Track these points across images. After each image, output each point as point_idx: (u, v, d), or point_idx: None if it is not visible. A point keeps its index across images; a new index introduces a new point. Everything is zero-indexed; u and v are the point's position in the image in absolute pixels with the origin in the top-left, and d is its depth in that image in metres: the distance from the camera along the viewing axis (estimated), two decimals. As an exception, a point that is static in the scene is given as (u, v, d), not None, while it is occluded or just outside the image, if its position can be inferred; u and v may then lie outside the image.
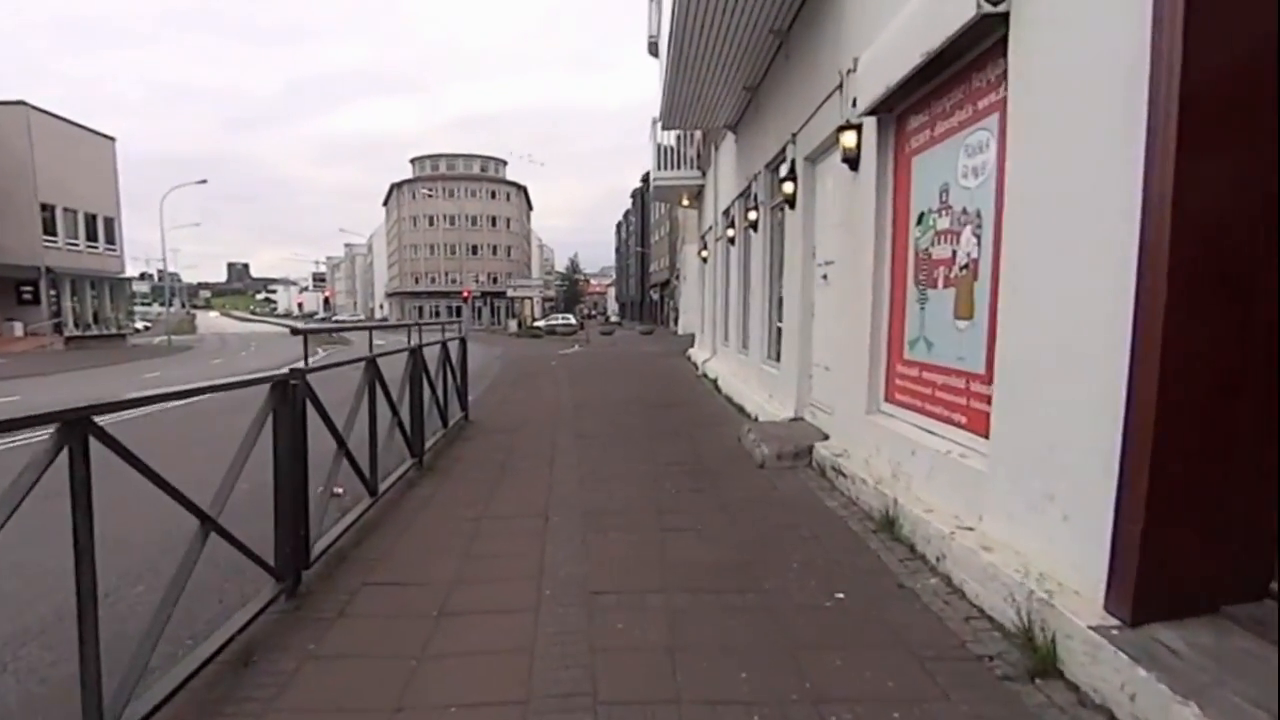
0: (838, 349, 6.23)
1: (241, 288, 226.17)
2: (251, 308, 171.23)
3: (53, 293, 34.57)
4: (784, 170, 8.07)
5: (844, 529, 4.50)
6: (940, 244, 4.39)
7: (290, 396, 3.55)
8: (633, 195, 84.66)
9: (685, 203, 19.26)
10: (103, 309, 37.88)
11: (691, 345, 20.87)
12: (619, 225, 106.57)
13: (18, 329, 32.12)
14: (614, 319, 69.76)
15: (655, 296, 70.13)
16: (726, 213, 13.74)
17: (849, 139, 5.58)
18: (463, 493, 5.78)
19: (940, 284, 4.39)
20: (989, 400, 3.73)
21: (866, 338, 5.33)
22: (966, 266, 4.05)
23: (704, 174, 16.90)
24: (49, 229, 33.49)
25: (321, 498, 4.10)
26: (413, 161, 79.02)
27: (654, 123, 16.89)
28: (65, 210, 34.46)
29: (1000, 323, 3.50)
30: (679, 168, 17.23)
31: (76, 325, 35.34)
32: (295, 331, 4.23)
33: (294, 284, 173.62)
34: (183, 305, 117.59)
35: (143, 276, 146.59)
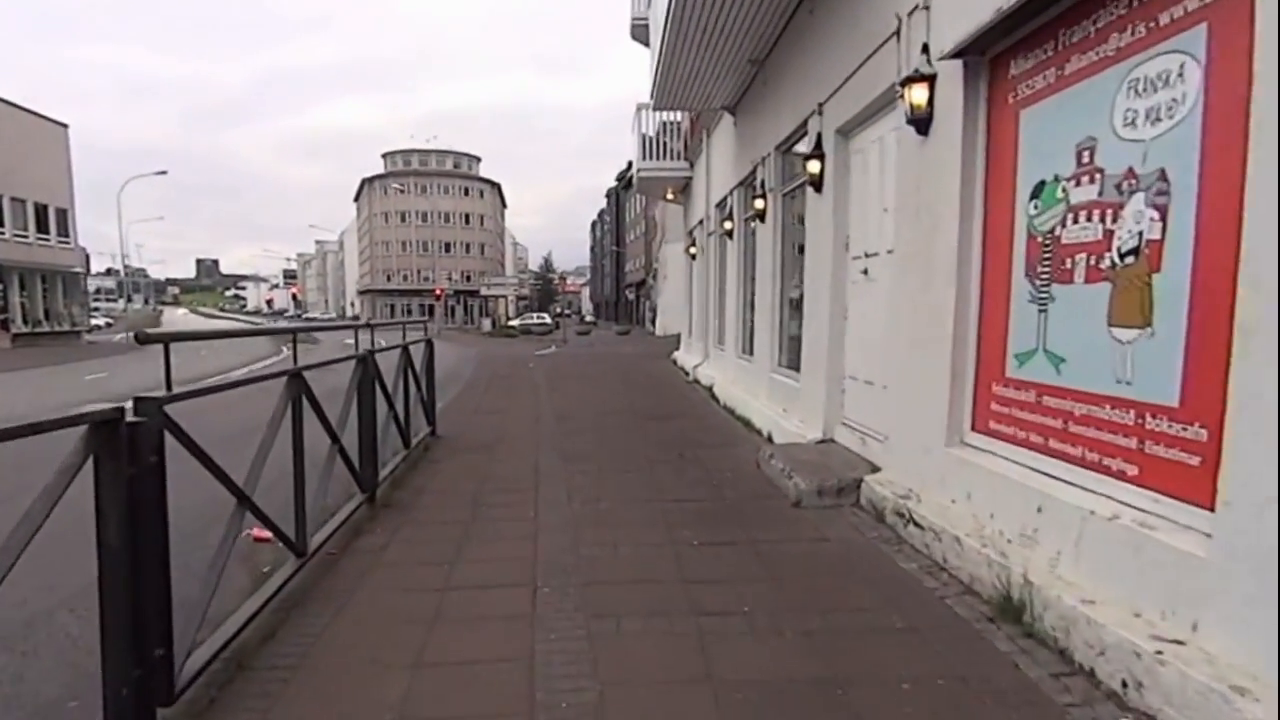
0: (893, 360, 5.04)
1: (211, 284, 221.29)
2: (221, 305, 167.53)
3: (15, 287, 32.66)
4: (805, 147, 6.89)
5: (947, 615, 3.28)
6: (1079, 223, 3.20)
7: (125, 445, 2.23)
8: (608, 194, 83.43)
9: (670, 197, 18.06)
10: (55, 304, 35.77)
11: (675, 348, 19.73)
12: (593, 224, 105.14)
13: (-40, 327, 30.13)
14: (589, 319, 68.47)
15: (630, 296, 68.98)
16: (721, 205, 12.56)
17: (918, 94, 4.37)
18: (423, 544, 4.51)
19: (1080, 278, 3.20)
20: (1192, 447, 2.55)
21: (945, 348, 4.14)
22: (1136, 252, 2.87)
23: (692, 166, 15.71)
24: (-7, 219, 31.51)
25: (206, 577, 2.81)
26: (384, 156, 77.07)
27: (638, 111, 15.67)
28: (13, 200, 32.41)
29: (1238, 338, 2.31)
30: (664, 159, 16.01)
31: (26, 322, 33.30)
32: (141, 339, 2.78)
33: (265, 280, 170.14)
34: (146, 301, 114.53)
35: (108, 272, 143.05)
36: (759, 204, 8.77)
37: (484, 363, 20.13)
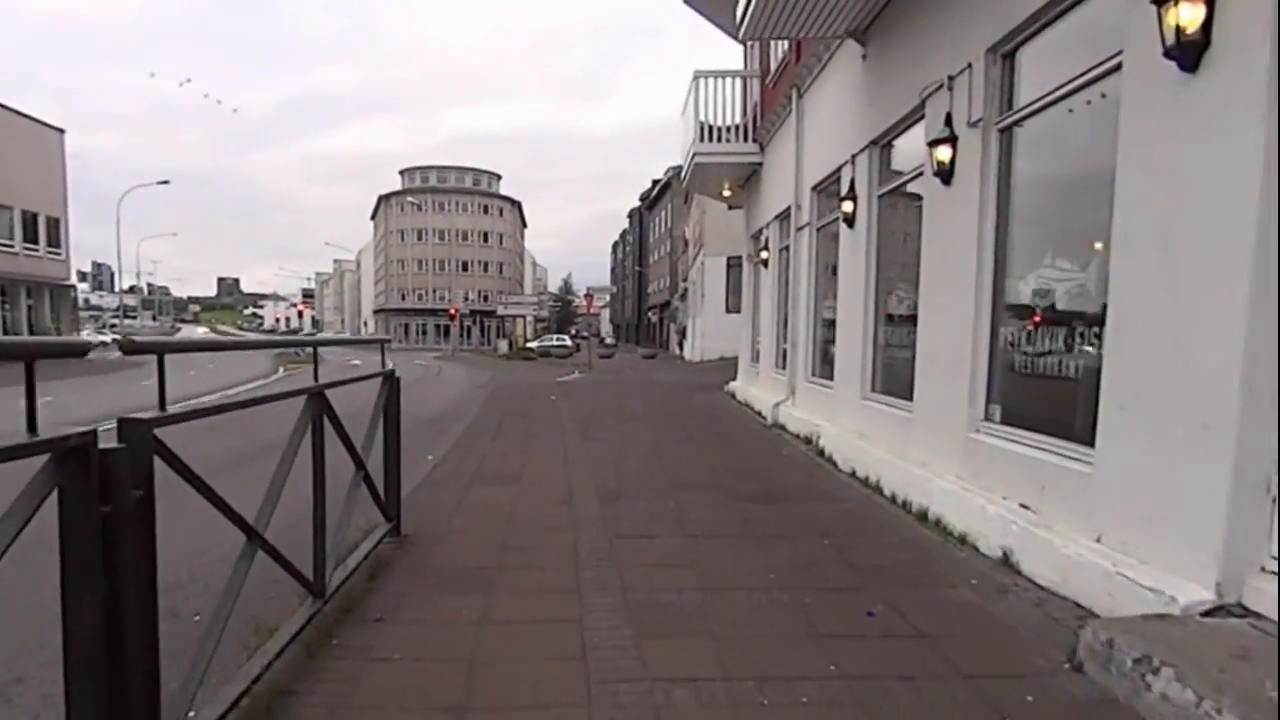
0: None
1: (231, 302, 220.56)
2: (239, 323, 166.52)
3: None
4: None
5: None
6: None
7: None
8: (630, 215, 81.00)
9: (727, 194, 14.75)
10: (40, 319, 32.94)
11: (720, 375, 16.21)
12: (615, 245, 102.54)
13: (-78, 342, 27.20)
14: (609, 341, 65.06)
15: (654, 319, 65.77)
16: (822, 188, 9.21)
17: None
18: None
19: None
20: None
21: None
22: None
23: (763, 150, 12.37)
24: (-26, 227, 28.83)
25: None
26: (402, 173, 74.75)
27: (694, 83, 12.38)
28: (-1, 207, 29.82)
29: None
30: (730, 141, 12.67)
31: (6, 335, 30.44)
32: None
33: (284, 299, 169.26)
34: (155, 317, 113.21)
35: (131, 289, 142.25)
36: (943, 154, 5.35)
37: (497, 393, 16.74)
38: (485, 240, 72.88)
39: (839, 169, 8.22)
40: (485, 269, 72.94)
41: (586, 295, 31.11)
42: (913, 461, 5.81)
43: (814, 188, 9.38)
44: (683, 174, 14.19)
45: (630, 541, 4.76)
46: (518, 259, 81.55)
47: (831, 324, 8.79)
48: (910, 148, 6.67)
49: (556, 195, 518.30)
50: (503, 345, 52.45)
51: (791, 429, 9.49)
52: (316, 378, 3.52)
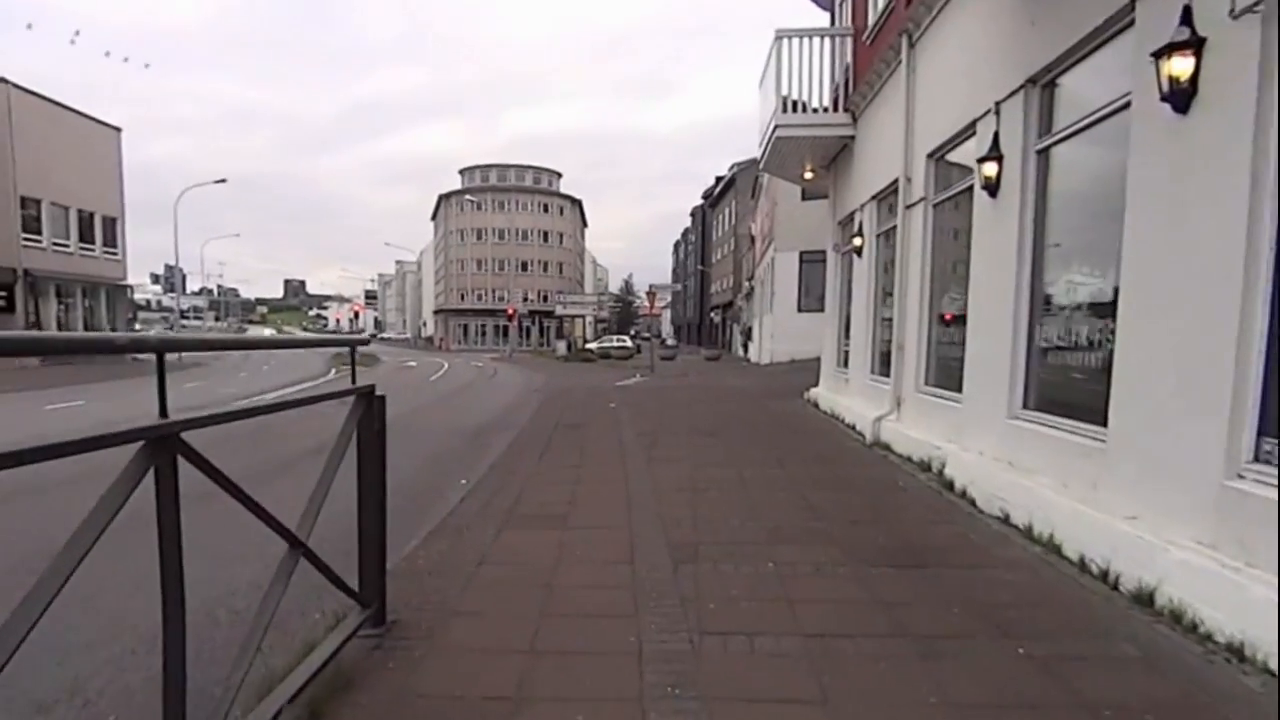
0: None
1: (297, 304, 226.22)
2: (305, 324, 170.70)
3: (51, 300, 30.04)
4: None
5: None
6: None
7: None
8: (693, 213, 79.46)
9: (809, 174, 13.04)
10: (96, 319, 33.04)
11: (793, 377, 14.40)
12: (676, 245, 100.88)
13: (-19, 340, 27.28)
14: (670, 342, 63.34)
15: (716, 319, 63.92)
16: (940, 156, 7.50)
17: None
18: None
19: None
20: None
21: None
22: None
23: (855, 120, 10.63)
24: (31, 226, 28.83)
25: None
26: (462, 172, 74.43)
27: (774, 46, 10.74)
28: (53, 205, 29.82)
29: None
30: (817, 112, 10.97)
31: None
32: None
33: (347, 301, 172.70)
34: (217, 318, 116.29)
35: (201, 291, 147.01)
36: (1177, 67, 3.62)
37: (551, 399, 15.31)
38: (545, 239, 72.04)
39: (971, 125, 6.49)
40: (545, 269, 72.09)
41: (649, 293, 29.53)
42: (1113, 512, 4.08)
43: (931, 154, 7.63)
44: (760, 152, 12.52)
45: (721, 644, 3.19)
46: (578, 259, 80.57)
47: (957, 320, 7.05)
48: (1089, 84, 4.95)
49: (618, 196, 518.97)
50: (561, 346, 51.29)
51: (900, 449, 7.77)
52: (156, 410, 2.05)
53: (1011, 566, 4.26)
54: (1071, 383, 5.20)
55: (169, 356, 2.01)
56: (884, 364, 9.33)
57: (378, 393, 3.35)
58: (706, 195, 69.43)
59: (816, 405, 12.42)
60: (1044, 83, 5.47)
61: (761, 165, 13.23)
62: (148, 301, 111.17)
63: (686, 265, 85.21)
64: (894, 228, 8.85)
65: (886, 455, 7.88)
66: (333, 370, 28.24)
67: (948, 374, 7.28)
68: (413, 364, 35.39)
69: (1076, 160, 5.31)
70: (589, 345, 52.75)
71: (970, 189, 6.58)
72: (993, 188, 5.93)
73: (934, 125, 7.48)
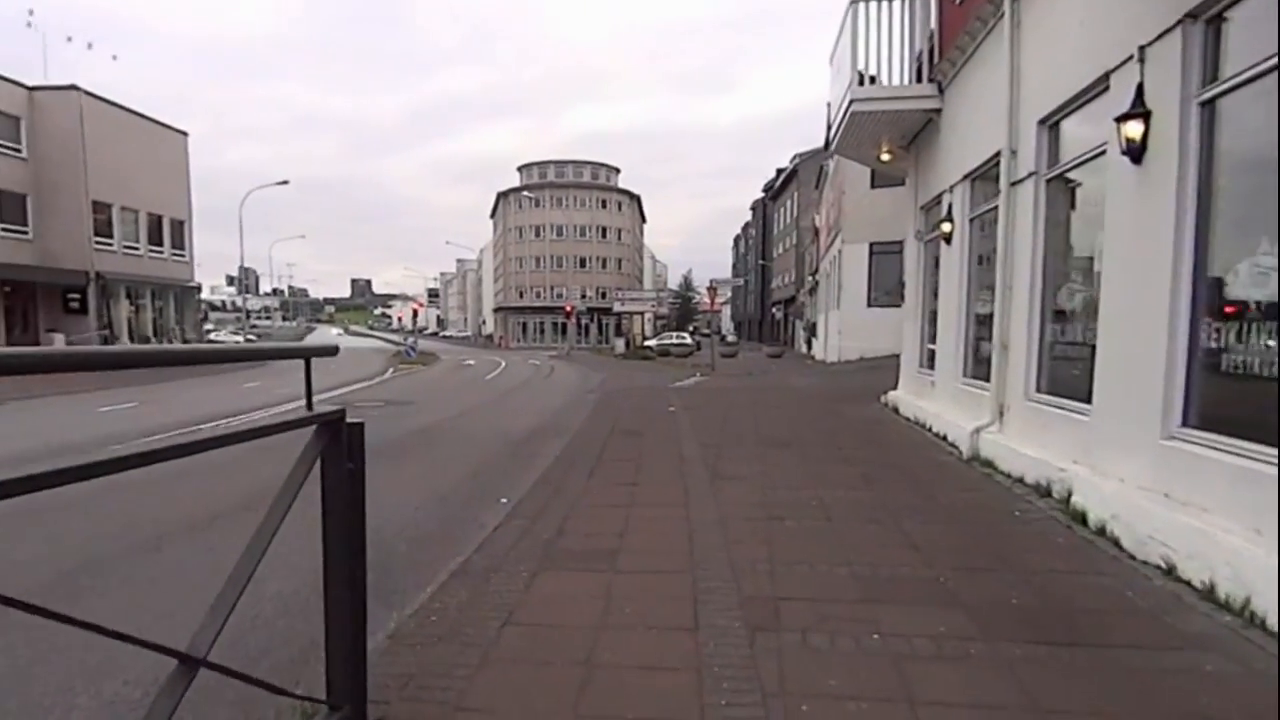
0: None
1: (363, 303, 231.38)
2: (370, 323, 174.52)
3: (122, 301, 30.61)
4: None
5: None
6: None
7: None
8: (753, 207, 77.94)
9: (885, 156, 11.88)
10: (165, 320, 33.61)
11: (864, 378, 13.15)
12: (736, 239, 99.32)
13: (58, 341, 27.92)
14: (730, 339, 61.94)
15: (777, 315, 62.38)
16: (1055, 121, 6.37)
17: None
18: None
19: None
20: None
21: None
22: None
23: (942, 91, 9.46)
24: (103, 230, 29.35)
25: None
26: (520, 169, 74.34)
27: (849, 12, 9.68)
28: (123, 209, 30.34)
29: None
30: (899, 83, 9.84)
31: (132, 338, 31.04)
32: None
33: (411, 299, 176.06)
34: (285, 318, 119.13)
35: (274, 292, 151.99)
36: None
37: (607, 401, 14.46)
38: (603, 235, 71.46)
39: (1101, 79, 5.36)
40: (603, 265, 71.52)
41: (710, 288, 28.49)
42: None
43: (1044, 120, 6.48)
44: (830, 133, 11.44)
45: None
46: (636, 254, 79.82)
47: (1082, 314, 5.92)
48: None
49: (677, 191, 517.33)
50: (619, 344, 50.51)
51: (1006, 468, 6.65)
52: None
53: (1205, 646, 3.20)
54: (1255, 394, 4.06)
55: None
56: (980, 366, 8.20)
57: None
58: (767, 188, 67.87)
59: (897, 410, 11.27)
60: (1209, 16, 4.33)
61: (832, 147, 12.11)
62: (223, 302, 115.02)
63: (747, 260, 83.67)
64: (993, 209, 7.71)
65: (990, 474, 6.77)
66: (389, 370, 28.04)
67: (1068, 379, 6.16)
68: (470, 362, 35.11)
69: (1257, 112, 4.16)
70: (647, 342, 51.88)
71: (1099, 155, 5.46)
72: (1136, 152, 4.79)
73: (1048, 85, 6.34)
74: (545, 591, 3.96)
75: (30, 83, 27.76)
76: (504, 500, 6.26)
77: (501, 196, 74.84)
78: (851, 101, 9.68)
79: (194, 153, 36.07)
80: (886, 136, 11.06)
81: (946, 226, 9.06)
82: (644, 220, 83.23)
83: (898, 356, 14.26)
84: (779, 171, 60.94)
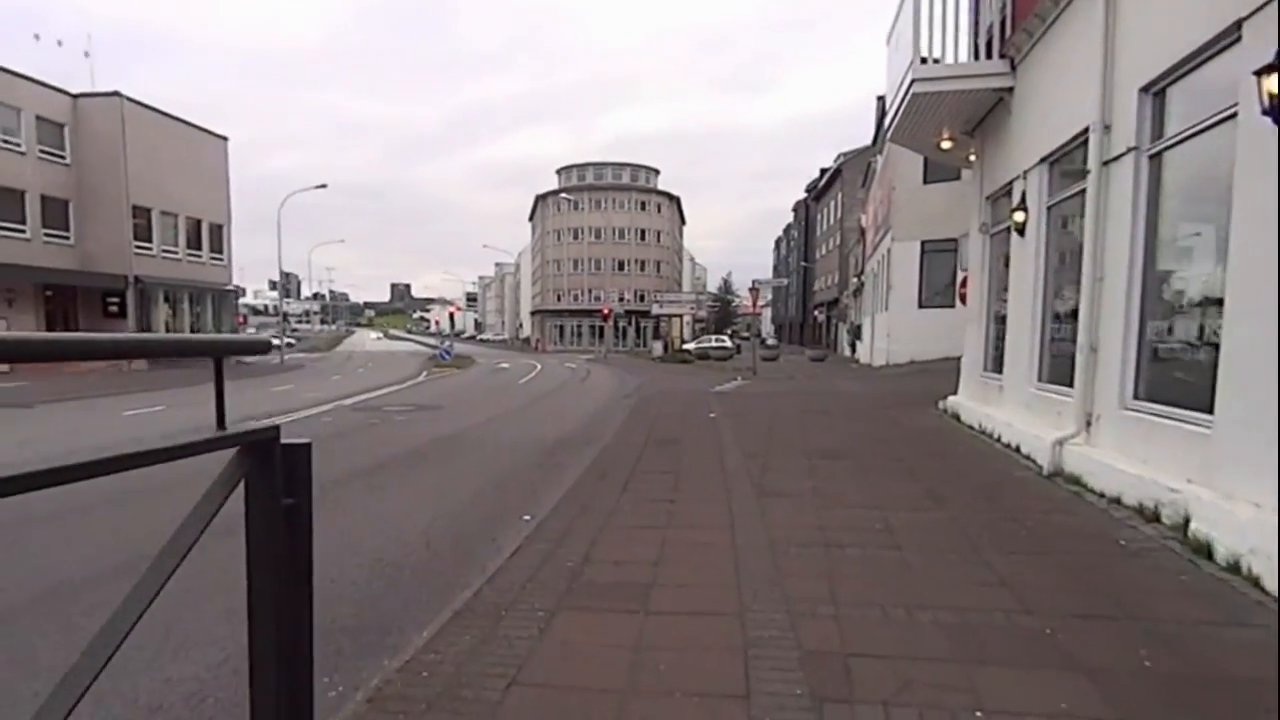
0: None
1: (402, 307, 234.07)
2: (409, 326, 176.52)
3: (160, 305, 30.85)
4: None
5: None
6: None
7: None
8: (795, 208, 76.70)
9: (946, 144, 11.03)
10: (203, 324, 33.81)
11: (917, 382, 12.21)
12: (778, 241, 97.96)
13: (97, 344, 28.12)
14: (771, 342, 60.71)
15: (819, 317, 61.10)
16: (1160, 88, 5.53)
17: None
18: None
19: None
20: None
21: None
22: None
23: (1014, 67, 8.59)
24: (142, 234, 29.56)
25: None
26: (559, 172, 74.12)
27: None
28: (163, 214, 30.55)
29: None
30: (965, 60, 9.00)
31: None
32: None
33: (449, 304, 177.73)
34: (323, 321, 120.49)
35: (316, 296, 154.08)
36: None
37: (644, 406, 13.76)
38: (642, 237, 70.83)
39: (1231, 30, 4.51)
40: (642, 267, 70.88)
41: (752, 289, 27.65)
42: None
43: (1148, 87, 5.63)
44: (888, 119, 10.63)
45: None
46: (676, 257, 79.06)
47: (1190, 308, 5.07)
48: None
49: (717, 194, 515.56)
50: (657, 347, 49.77)
51: (1099, 485, 5.80)
52: None
53: None
54: None
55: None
56: (1060, 369, 7.32)
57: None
58: (810, 188, 66.65)
59: (958, 418, 10.38)
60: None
61: (887, 134, 11.28)
62: (265, 306, 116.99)
63: (788, 262, 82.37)
64: (1077, 194, 6.86)
65: (1079, 493, 5.91)
66: (423, 374, 27.72)
67: (1177, 384, 5.31)
68: (506, 366, 34.71)
69: None
70: (686, 345, 51.08)
71: (1224, 120, 4.62)
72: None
73: (1153, 46, 5.49)
74: (564, 637, 3.27)
75: (75, 90, 28.10)
76: (527, 518, 5.62)
77: (540, 199, 74.69)
78: (913, 82, 8.86)
79: (242, 160, 36.40)
80: (948, 121, 10.19)
81: (1019, 216, 8.19)
82: (683, 222, 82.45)
83: (951, 360, 13.37)
84: (823, 171, 59.74)
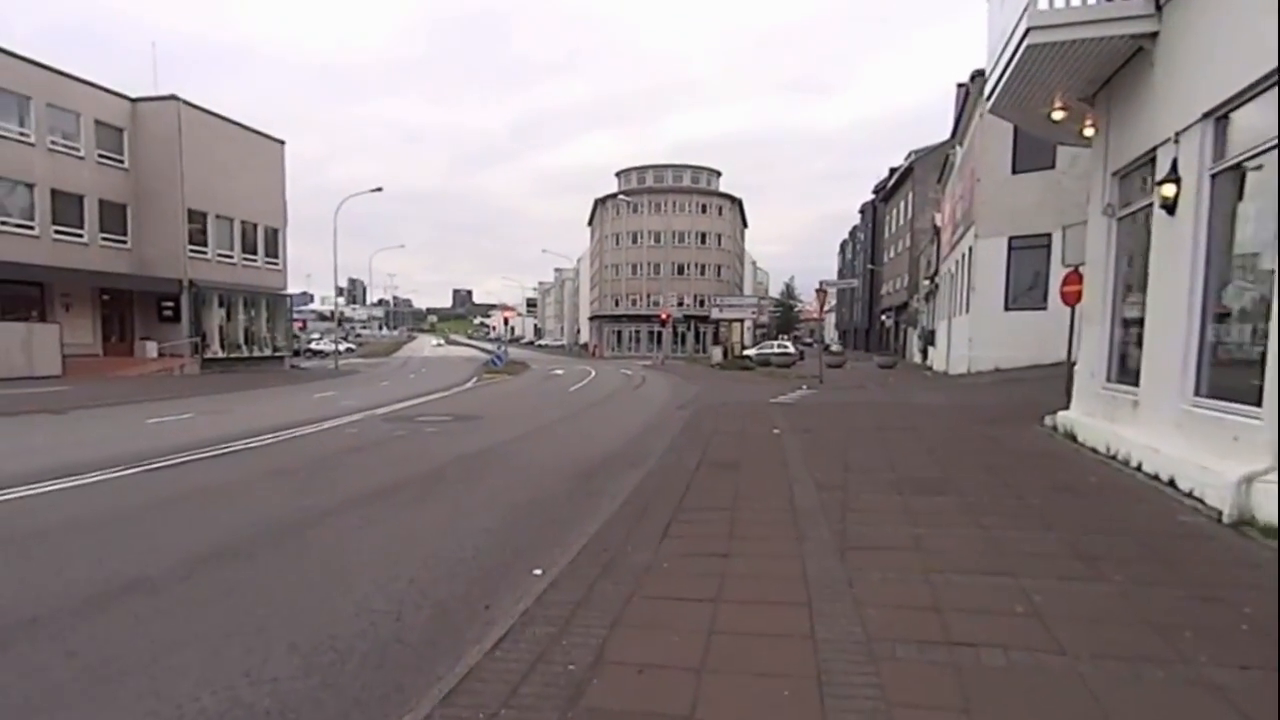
0: None
1: (464, 313, 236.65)
2: (470, 332, 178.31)
3: (215, 309, 30.76)
4: None
5: None
6: None
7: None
8: (861, 210, 74.21)
9: (1058, 113, 9.33)
10: (257, 328, 33.62)
11: (1005, 393, 10.41)
12: (843, 244, 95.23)
13: (150, 349, 28.10)
14: (835, 348, 58.29)
15: (887, 322, 58.56)
16: None
17: None
18: None
19: None
20: None
21: None
22: None
23: (1159, 9, 6.92)
24: (197, 238, 29.41)
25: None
26: (619, 175, 73.14)
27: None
28: (218, 218, 30.38)
29: None
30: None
31: (224, 346, 31.02)
32: None
33: (510, 309, 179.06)
34: (383, 327, 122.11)
35: (380, 302, 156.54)
36: None
37: (698, 420, 12.28)
38: (703, 241, 69.21)
39: None
40: (702, 271, 69.25)
41: (819, 291, 25.92)
42: None
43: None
44: (991, 84, 9.01)
45: None
46: (737, 260, 77.20)
47: None
48: None
49: (780, 198, 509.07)
50: (716, 353, 48.06)
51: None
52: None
53: None
54: None
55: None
56: (1233, 380, 5.66)
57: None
58: (878, 189, 64.15)
59: (1073, 438, 8.66)
60: None
61: (990, 105, 9.60)
62: (331, 313, 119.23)
63: (854, 266, 79.73)
64: (1253, 157, 5.20)
65: (1290, 554, 4.27)
66: (473, 380, 26.81)
67: None
68: (559, 372, 33.62)
69: None
70: (746, 351, 49.25)
71: None
72: None
73: None
74: None
75: (134, 95, 28.12)
76: (537, 572, 4.32)
77: (599, 203, 73.80)
78: (1028, 31, 7.24)
79: (311, 169, 36.24)
80: (1066, 83, 8.50)
81: (1168, 189, 6.50)
82: (745, 226, 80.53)
83: (1042, 368, 11.63)
84: (892, 171, 57.26)
